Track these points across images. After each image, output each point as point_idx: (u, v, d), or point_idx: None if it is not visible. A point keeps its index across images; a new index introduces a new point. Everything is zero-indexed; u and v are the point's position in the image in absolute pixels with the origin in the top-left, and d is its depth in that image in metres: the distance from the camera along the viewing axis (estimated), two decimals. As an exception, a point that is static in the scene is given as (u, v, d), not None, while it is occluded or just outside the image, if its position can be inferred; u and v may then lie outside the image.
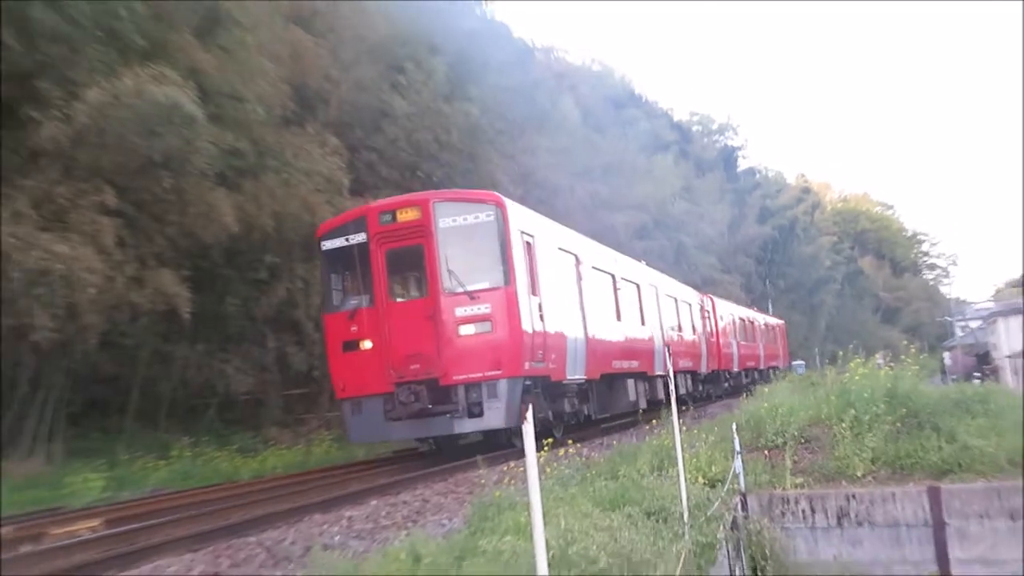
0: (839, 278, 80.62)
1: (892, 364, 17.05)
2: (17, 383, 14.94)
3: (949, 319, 66.31)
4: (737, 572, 8.75)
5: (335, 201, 19.31)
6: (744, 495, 10.83)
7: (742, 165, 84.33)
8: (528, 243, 13.18)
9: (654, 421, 13.64)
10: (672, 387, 8.56)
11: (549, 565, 3.82)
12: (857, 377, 14.25)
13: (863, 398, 12.64)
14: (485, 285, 12.18)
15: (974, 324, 57.38)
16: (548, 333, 13.23)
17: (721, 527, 8.33)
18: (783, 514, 10.96)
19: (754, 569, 9.54)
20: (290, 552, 6.70)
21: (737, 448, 10.86)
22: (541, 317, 13.00)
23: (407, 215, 12.47)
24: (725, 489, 9.69)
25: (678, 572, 5.95)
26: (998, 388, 17.55)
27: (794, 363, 47.51)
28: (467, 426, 12.20)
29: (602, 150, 46.41)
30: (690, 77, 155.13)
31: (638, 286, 20.51)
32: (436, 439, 14.09)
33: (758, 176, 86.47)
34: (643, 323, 20.24)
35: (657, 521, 7.39)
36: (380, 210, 12.79)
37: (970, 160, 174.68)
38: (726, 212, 66.26)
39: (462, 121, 28.21)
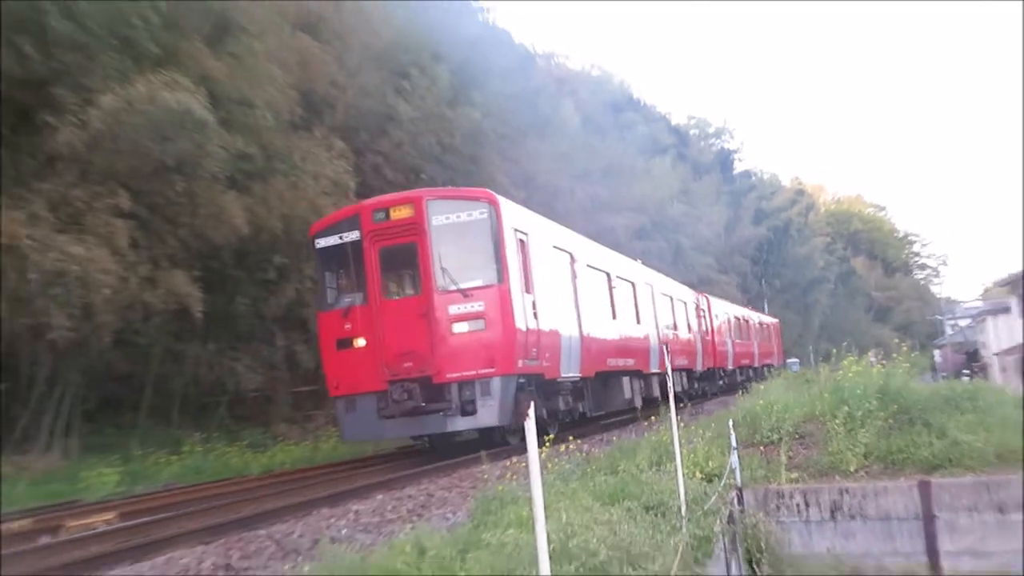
0: (832, 278, 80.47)
1: (884, 362, 17.04)
2: (35, 381, 14.97)
3: (939, 318, 66.15)
4: (733, 565, 8.74)
5: (342, 203, 19.25)
6: (740, 490, 10.82)
7: (738, 168, 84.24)
8: (522, 241, 12.86)
9: (653, 418, 13.66)
10: (670, 385, 8.56)
11: (550, 558, 3.82)
12: (850, 375, 14.24)
13: (856, 395, 12.65)
14: (478, 283, 11.88)
15: (963, 323, 57.31)
16: (542, 331, 12.93)
17: (718, 521, 8.32)
18: (778, 508, 10.95)
19: (750, 562, 9.53)
20: (298, 545, 6.70)
21: (733, 444, 10.85)
22: (535, 315, 12.72)
23: (400, 213, 12.15)
24: (722, 484, 9.68)
25: (676, 565, 5.94)
26: (986, 385, 17.51)
27: (789, 361, 47.40)
28: (460, 424, 11.88)
29: (601, 153, 46.34)
30: (687, 82, 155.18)
31: (633, 284, 20.18)
32: (431, 437, 13.80)
33: (754, 178, 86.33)
34: (638, 321, 19.90)
35: (655, 515, 7.38)
36: (373, 208, 12.47)
37: (960, 163, 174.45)
38: (722, 214, 66.17)
39: (465, 125, 28.22)
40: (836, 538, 10.81)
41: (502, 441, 12.98)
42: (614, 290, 18.11)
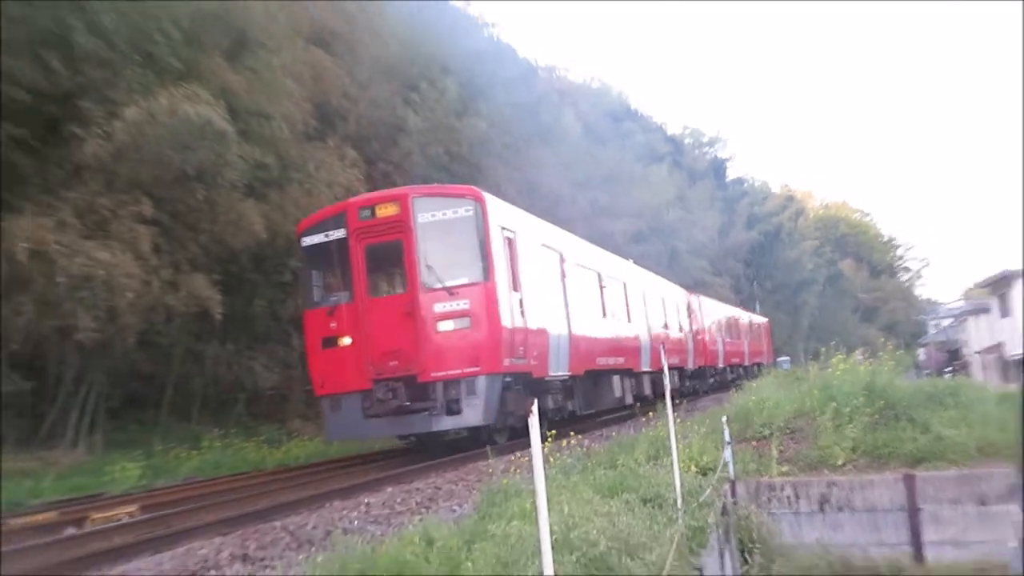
0: (821, 280, 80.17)
1: (870, 360, 17.00)
2: (62, 380, 14.99)
3: (922, 318, 66.09)
4: (727, 555, 8.71)
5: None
6: (733, 483, 10.78)
7: (731, 175, 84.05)
8: (509, 239, 12.28)
9: (650, 414, 13.60)
10: (666, 383, 8.53)
11: (553, 548, 3.80)
12: (838, 372, 14.22)
13: (844, 392, 12.63)
14: (464, 281, 11.33)
15: (946, 322, 57.16)
16: (529, 329, 12.38)
17: (712, 513, 8.30)
18: (769, 500, 10.92)
19: (743, 552, 9.49)
20: (312, 536, 6.69)
21: (727, 439, 10.81)
22: (522, 313, 12.17)
23: (386, 210, 11.61)
24: (716, 477, 9.66)
25: (672, 555, 5.92)
26: (968, 382, 17.47)
27: (779, 359, 47.24)
28: (446, 424, 11.31)
29: (601, 161, 46.29)
30: (682, 93, 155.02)
31: (624, 284, 19.60)
32: (418, 436, 13.13)
33: (746, 185, 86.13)
34: (629, 320, 19.32)
35: (653, 507, 7.36)
36: (360, 205, 11.93)
37: (941, 171, 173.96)
38: (716, 219, 66.05)
39: (472, 135, 28.28)
40: (825, 529, 10.78)
41: (489, 440, 12.23)
42: (604, 289, 17.58)
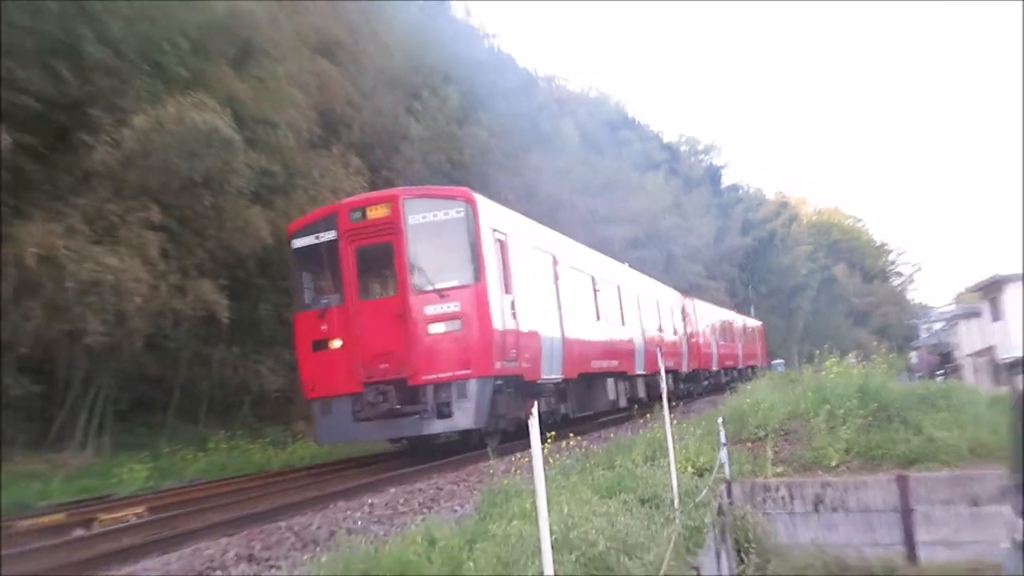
0: (815, 284, 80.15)
1: (863, 363, 16.98)
2: (71, 383, 14.98)
3: (914, 322, 66.01)
4: (723, 554, 8.70)
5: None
6: (729, 483, 10.78)
7: (726, 182, 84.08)
8: (500, 241, 11.96)
9: (648, 416, 13.58)
10: (663, 386, 8.52)
11: (552, 548, 3.80)
12: (832, 375, 14.21)
13: (837, 394, 12.61)
14: (455, 283, 11.01)
15: (937, 326, 57.05)
16: (521, 332, 12.02)
17: (708, 513, 8.29)
18: (765, 501, 10.91)
19: (739, 551, 9.49)
20: (317, 536, 6.67)
21: (723, 440, 10.82)
22: (514, 316, 11.82)
23: (377, 212, 11.31)
24: (712, 478, 9.65)
25: (669, 554, 5.91)
26: (960, 385, 17.44)
27: (774, 362, 47.15)
28: (436, 427, 10.97)
29: (600, 169, 46.36)
30: (678, 102, 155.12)
31: (618, 287, 19.23)
32: (409, 439, 12.69)
33: (740, 192, 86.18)
34: (623, 323, 18.95)
35: (650, 507, 7.35)
36: (350, 207, 11.61)
37: (933, 178, 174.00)
38: (712, 225, 66.09)
39: (473, 143, 28.33)
40: (819, 529, 10.76)
41: (480, 444, 11.99)
42: (598, 292, 17.23)
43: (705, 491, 8.67)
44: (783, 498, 10.95)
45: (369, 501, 8.23)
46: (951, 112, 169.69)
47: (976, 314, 40.90)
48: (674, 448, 8.21)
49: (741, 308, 52.93)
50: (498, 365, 11.19)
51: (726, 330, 35.73)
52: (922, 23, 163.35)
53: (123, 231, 13.77)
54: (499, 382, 11.48)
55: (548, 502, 3.94)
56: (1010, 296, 33.63)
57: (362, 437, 12.19)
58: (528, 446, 3.79)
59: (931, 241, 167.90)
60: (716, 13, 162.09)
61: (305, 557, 6.02)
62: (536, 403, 3.86)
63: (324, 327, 11.31)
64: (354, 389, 10.94)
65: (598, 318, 16.90)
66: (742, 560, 9.49)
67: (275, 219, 17.58)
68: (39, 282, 12.54)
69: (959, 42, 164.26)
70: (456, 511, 7.49)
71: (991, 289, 36.51)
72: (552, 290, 14.14)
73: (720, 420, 11.26)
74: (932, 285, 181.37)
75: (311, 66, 21.69)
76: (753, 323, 46.14)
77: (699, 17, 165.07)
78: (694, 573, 6.70)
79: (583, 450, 11.01)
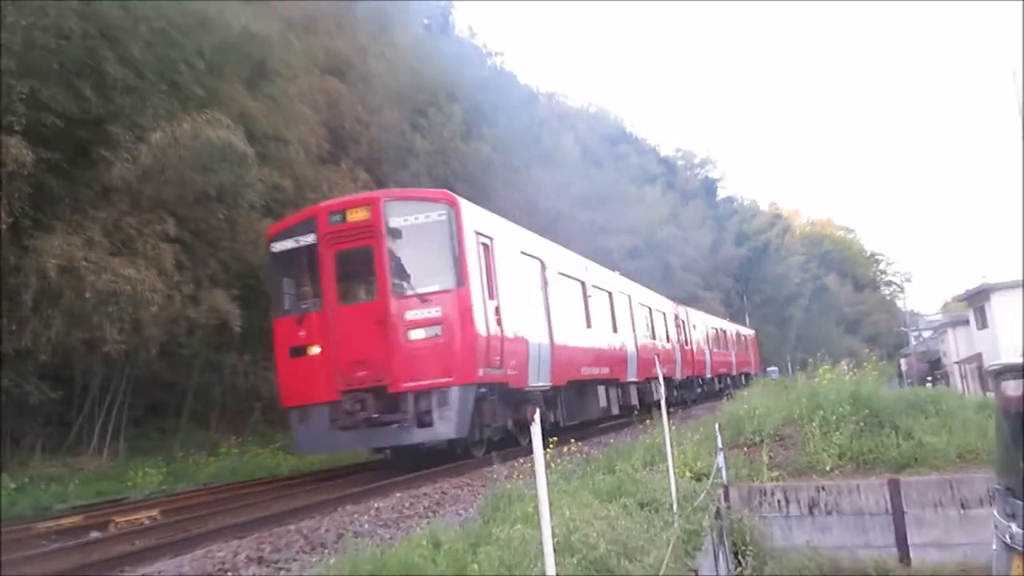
0: (807, 294, 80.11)
1: (855, 370, 16.93)
2: (88, 389, 14.98)
3: (904, 330, 65.79)
4: (721, 557, 8.64)
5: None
6: (726, 487, 10.73)
7: (721, 194, 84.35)
8: (485, 245, 11.28)
9: (647, 421, 13.53)
10: (662, 392, 8.50)
11: (554, 551, 3.77)
12: (825, 382, 14.17)
13: (830, 400, 12.56)
14: (436, 288, 10.33)
15: (926, 334, 56.90)
16: (507, 338, 11.30)
17: (706, 516, 8.25)
18: (761, 504, 10.86)
19: (736, 554, 9.43)
20: (325, 539, 6.64)
21: (720, 445, 10.78)
22: (499, 321, 11.11)
23: (357, 215, 10.67)
24: (709, 482, 9.60)
25: (668, 557, 5.88)
26: (948, 391, 17.40)
27: (768, 369, 47.00)
28: (416, 436, 10.23)
29: (598, 182, 46.49)
30: (675, 117, 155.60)
31: (610, 294, 18.48)
32: (392, 449, 11.96)
33: (735, 204, 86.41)
34: (615, 330, 18.25)
35: (649, 511, 7.31)
36: (330, 210, 10.97)
37: (922, 190, 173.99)
38: (707, 236, 66.19)
39: (476, 158, 28.47)
40: (814, 532, 10.72)
41: (465, 453, 11.38)
42: (589, 299, 16.51)
43: (703, 495, 8.63)
44: (779, 502, 10.91)
45: (375, 505, 8.18)
46: (941, 125, 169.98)
47: (963, 322, 40.82)
48: (672, 453, 8.18)
49: (736, 317, 52.84)
50: (481, 372, 10.54)
51: (719, 338, 35.34)
52: (912, 36, 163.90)
53: (140, 243, 13.81)
54: (483, 390, 10.83)
55: (550, 506, 3.92)
56: (996, 305, 33.58)
57: (341, 447, 11.50)
58: (529, 452, 3.77)
59: (920, 251, 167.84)
60: (712, 30, 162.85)
61: (314, 559, 6.00)
62: (537, 409, 3.83)
63: (302, 333, 10.70)
64: (332, 397, 10.26)
65: (589, 325, 16.28)
66: (739, 562, 9.44)
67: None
68: (59, 292, 12.56)
69: (948, 55, 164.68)
70: (460, 515, 7.46)
71: (977, 298, 36.45)
72: (540, 296, 13.50)
73: (717, 426, 11.23)
74: (921, 294, 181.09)
75: (321, 85, 21.85)
76: (746, 331, 45.75)
77: (695, 34, 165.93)
78: (692, 575, 6.66)
79: (584, 455, 10.96)
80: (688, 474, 9.92)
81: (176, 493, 11.78)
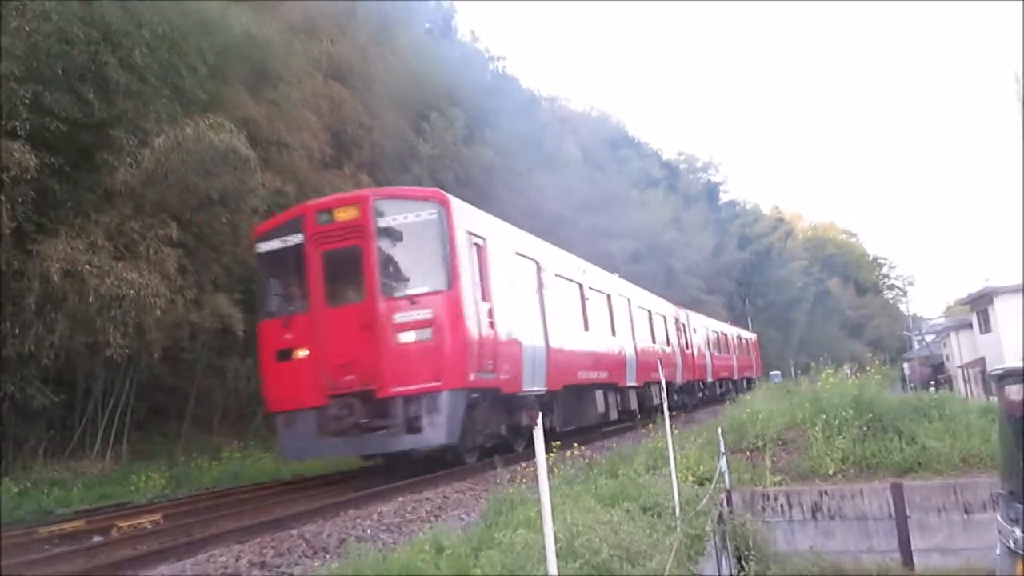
0: (810, 297, 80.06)
1: (858, 374, 16.91)
2: (91, 393, 14.99)
3: (907, 334, 65.67)
4: (724, 562, 8.62)
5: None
6: (729, 492, 10.71)
7: (723, 198, 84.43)
8: (478, 245, 10.95)
9: (650, 425, 13.51)
10: (664, 396, 8.49)
11: (557, 556, 3.77)
12: (827, 386, 14.15)
13: (833, 405, 12.56)
14: (426, 289, 10.00)
15: (929, 338, 56.81)
16: (500, 342, 10.97)
17: (709, 521, 8.23)
18: (764, 509, 10.85)
19: (739, 559, 9.41)
20: (327, 544, 6.63)
21: (722, 450, 10.76)
22: (491, 324, 10.75)
23: (345, 214, 10.34)
24: (712, 486, 9.60)
25: (671, 561, 5.86)
26: (951, 395, 17.36)
27: (771, 373, 46.89)
28: (405, 443, 9.87)
29: (601, 186, 46.55)
30: (677, 121, 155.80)
31: (608, 296, 18.08)
32: (384, 455, 11.47)
33: (738, 208, 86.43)
34: (614, 334, 17.82)
35: (652, 516, 7.31)
36: (318, 209, 10.63)
37: (924, 194, 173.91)
38: (710, 240, 66.23)
39: (479, 162, 28.52)
40: (817, 536, 10.70)
41: (457, 460, 11.03)
42: (587, 301, 16.07)
43: (706, 499, 8.62)
44: (782, 506, 10.89)
45: (378, 509, 8.17)
46: (944, 128, 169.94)
47: (966, 326, 40.76)
48: (675, 458, 8.16)
49: (738, 321, 52.75)
50: (472, 377, 10.17)
51: (721, 342, 35.00)
52: (914, 39, 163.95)
53: (143, 247, 13.82)
54: (475, 395, 10.48)
55: (553, 511, 3.92)
56: (999, 308, 33.51)
57: (328, 453, 11.15)
58: (529, 457, 3.77)
59: (923, 255, 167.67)
60: (714, 34, 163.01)
61: (316, 564, 5.99)
62: (540, 414, 3.82)
63: (289, 336, 10.31)
64: (319, 402, 9.89)
65: (586, 328, 15.87)
66: (742, 567, 9.41)
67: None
68: (63, 296, 12.58)
69: (951, 59, 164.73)
70: (463, 519, 7.45)
71: (980, 302, 36.39)
72: (536, 298, 13.11)
73: (719, 430, 11.21)
74: (924, 298, 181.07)
75: (323, 89, 21.91)
76: (748, 335, 45.36)
77: (698, 38, 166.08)
78: (695, 580, 6.64)
79: (587, 460, 10.94)
80: (691, 478, 9.91)
81: (178, 497, 11.77)
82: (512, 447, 12.03)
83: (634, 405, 18.60)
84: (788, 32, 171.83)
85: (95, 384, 14.96)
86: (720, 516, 9.41)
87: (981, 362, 35.38)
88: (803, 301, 77.81)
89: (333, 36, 25.20)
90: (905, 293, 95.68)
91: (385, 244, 10.20)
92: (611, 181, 49.69)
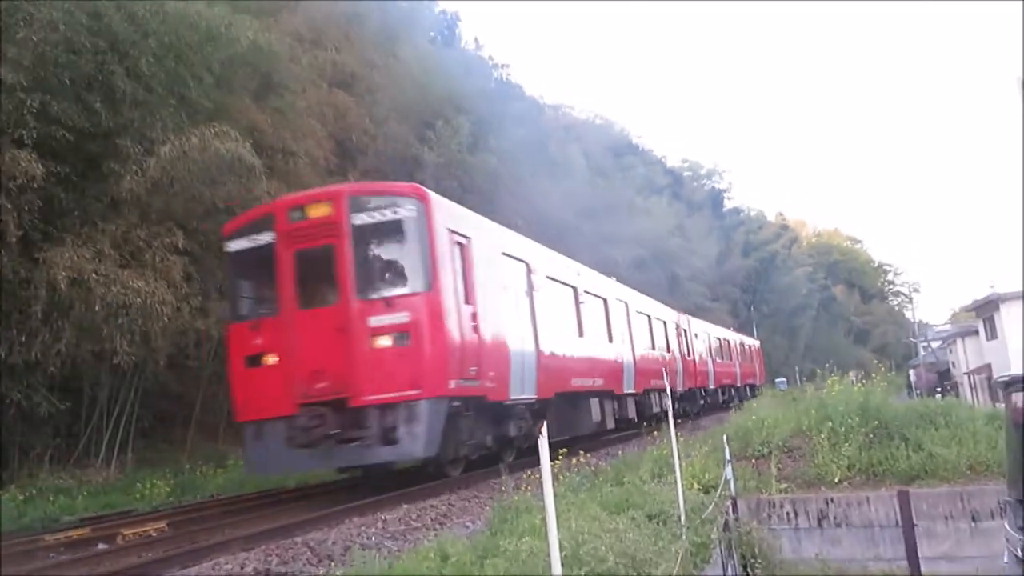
0: (815, 304, 79.91)
1: (864, 381, 16.85)
2: (96, 401, 15.02)
3: (913, 340, 65.37)
4: (729, 570, 8.58)
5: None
6: (735, 499, 10.68)
7: (728, 205, 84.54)
8: (461, 244, 10.35)
9: (655, 433, 13.46)
10: (670, 403, 8.46)
11: (562, 564, 3.76)
12: (833, 393, 14.10)
13: (839, 412, 12.52)
14: (404, 291, 9.40)
15: (935, 344, 56.60)
16: (484, 347, 10.36)
17: (714, 528, 8.21)
18: (769, 516, 10.80)
19: (744, 567, 9.36)
20: (332, 551, 6.63)
21: (728, 457, 10.73)
22: (475, 328, 10.15)
23: (318, 211, 9.75)
24: (718, 494, 9.55)
25: (676, 569, 5.84)
26: (958, 402, 17.28)
27: (777, 380, 46.73)
28: (381, 455, 9.28)
29: (604, 193, 46.60)
30: (681, 128, 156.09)
31: (605, 301, 17.37)
32: (364, 467, 10.90)
33: (742, 215, 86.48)
34: (610, 340, 17.12)
35: (657, 523, 7.28)
36: (289, 206, 10.01)
37: (929, 200, 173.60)
38: (714, 247, 66.23)
39: (483, 169, 28.56)
40: (823, 544, 10.65)
41: (439, 473, 10.56)
42: (582, 305, 15.39)
43: (711, 507, 8.59)
44: (787, 514, 10.85)
45: (382, 517, 8.14)
46: (950, 134, 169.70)
47: (972, 332, 40.61)
48: (680, 465, 8.14)
49: (743, 328, 52.63)
50: (454, 384, 9.58)
51: (723, 348, 34.56)
52: (920, 46, 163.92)
53: (149, 255, 13.87)
54: (456, 403, 9.86)
55: (558, 518, 3.91)
56: (1005, 315, 33.39)
57: (298, 467, 10.53)
58: (537, 463, 3.77)
59: (928, 261, 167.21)
60: (718, 41, 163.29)
61: (321, 572, 6.00)
62: (545, 424, 3.81)
63: (258, 341, 9.71)
64: (289, 411, 9.25)
65: (581, 333, 15.17)
66: (748, 575, 9.37)
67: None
68: (69, 304, 12.63)
69: (956, 65, 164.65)
70: (468, 527, 7.44)
71: (986, 309, 36.26)
72: (525, 301, 12.48)
73: (725, 437, 11.18)
74: (930, 304, 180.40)
75: (328, 98, 22.02)
76: (751, 342, 44.93)
77: (702, 45, 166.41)
78: (701, 588, 6.61)
79: (592, 467, 10.91)
80: (696, 486, 9.87)
81: (183, 505, 11.78)
82: (501, 459, 11.45)
83: (632, 413, 18.13)
84: (793, 38, 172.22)
85: (101, 392, 14.99)
86: (726, 524, 9.37)
87: (987, 369, 35.24)
88: (808, 308, 77.67)
89: (338, 45, 25.34)
90: (911, 300, 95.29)
91: (360, 243, 9.59)
92: (615, 188, 49.76)
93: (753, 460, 12.15)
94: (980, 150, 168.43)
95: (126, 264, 13.48)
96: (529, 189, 34.28)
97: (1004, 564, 6.21)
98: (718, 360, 32.41)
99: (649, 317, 21.86)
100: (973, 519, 10.19)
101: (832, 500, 10.80)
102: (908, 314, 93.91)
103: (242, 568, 6.18)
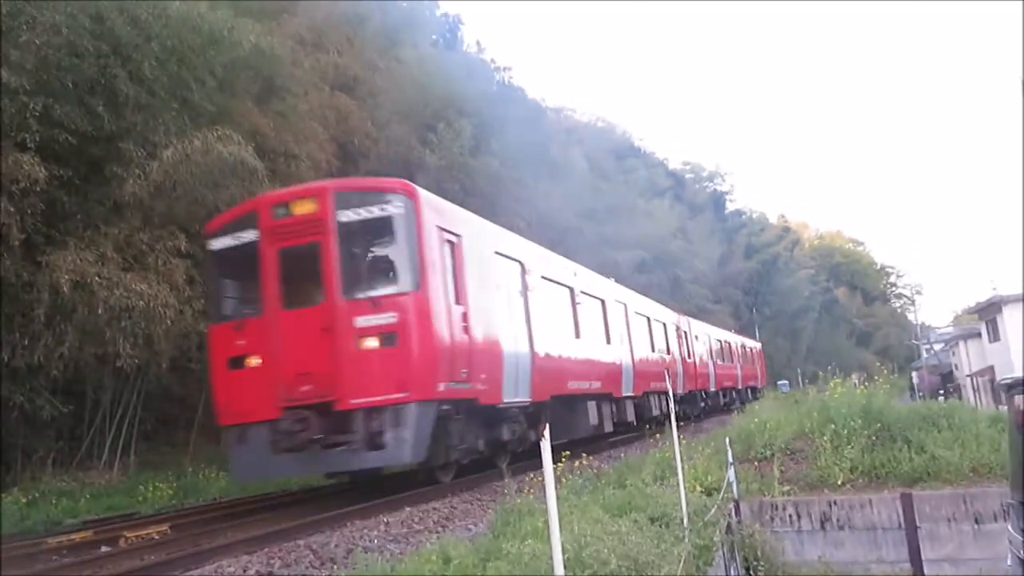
0: (817, 307, 79.78)
1: (866, 383, 16.83)
2: (99, 404, 15.04)
3: (915, 342, 65.26)
4: (732, 572, 8.57)
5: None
6: (737, 502, 10.66)
7: (730, 207, 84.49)
8: (451, 243, 10.07)
9: (657, 435, 13.45)
10: (671, 406, 8.45)
11: (565, 566, 3.76)
12: (836, 395, 14.09)
13: (841, 414, 12.50)
14: (391, 290, 9.13)
15: (938, 347, 56.46)
16: (476, 348, 10.08)
17: (717, 531, 8.19)
18: (772, 519, 10.78)
19: (747, 569, 9.35)
20: (334, 554, 6.63)
21: (730, 460, 10.72)
22: (466, 329, 9.88)
23: (303, 208, 9.43)
24: (720, 497, 9.54)
25: (679, 572, 5.84)
26: (961, 404, 17.25)
27: (779, 383, 46.64)
28: (368, 460, 9.02)
29: (606, 195, 46.65)
30: (683, 131, 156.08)
31: (603, 302, 17.05)
32: (351, 472, 10.54)
33: (744, 217, 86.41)
34: (608, 341, 16.81)
35: (660, 526, 7.27)
36: (273, 202, 9.72)
37: (932, 202, 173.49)
38: (716, 249, 66.26)
39: (485, 172, 28.58)
40: (826, 547, 10.63)
41: (429, 479, 10.37)
42: (578, 306, 15.07)
43: (714, 510, 8.57)
44: (790, 516, 10.83)
45: (385, 519, 8.14)
46: (952, 136, 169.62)
47: (975, 335, 40.55)
48: (683, 468, 8.13)
49: (745, 330, 52.55)
50: (443, 387, 9.31)
51: (724, 351, 34.34)
52: (922, 47, 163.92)
53: (152, 259, 13.90)
54: (446, 406, 9.59)
55: (560, 521, 3.90)
56: (1008, 317, 33.34)
57: (282, 473, 10.34)
58: (537, 466, 3.77)
59: (931, 264, 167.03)
60: (720, 43, 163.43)
61: (323, 574, 5.99)
62: (547, 426, 3.81)
63: (241, 342, 9.39)
64: (273, 415, 8.96)
65: (578, 335, 14.86)
66: (750, 578, 9.36)
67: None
68: (72, 307, 12.65)
69: (958, 67, 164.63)
70: (470, 529, 7.45)
71: (989, 311, 36.22)
72: (519, 302, 12.19)
73: (727, 440, 11.17)
74: (932, 306, 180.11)
75: (330, 101, 22.06)
76: (752, 344, 44.67)
77: (703, 47, 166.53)
78: (703, 591, 6.61)
79: (594, 470, 10.90)
80: (698, 488, 9.86)
81: (186, 508, 11.80)
82: (494, 464, 11.12)
83: (631, 416, 17.89)
84: (794, 40, 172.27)
85: (103, 395, 15.00)
86: (728, 526, 9.36)
87: (990, 371, 35.17)
88: (810, 310, 77.54)
89: (340, 48, 25.38)
90: (913, 302, 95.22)
91: (346, 240, 9.29)
92: (617, 191, 49.81)
93: (755, 463, 12.13)
94: (982, 152, 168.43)
95: (129, 267, 13.51)
96: (531, 192, 34.29)
97: (1007, 566, 6.21)
98: (719, 362, 32.29)
99: (648, 319, 21.61)
100: (976, 521, 10.17)
101: (835, 502, 10.79)
102: (910, 316, 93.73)
103: (245, 571, 6.18)
